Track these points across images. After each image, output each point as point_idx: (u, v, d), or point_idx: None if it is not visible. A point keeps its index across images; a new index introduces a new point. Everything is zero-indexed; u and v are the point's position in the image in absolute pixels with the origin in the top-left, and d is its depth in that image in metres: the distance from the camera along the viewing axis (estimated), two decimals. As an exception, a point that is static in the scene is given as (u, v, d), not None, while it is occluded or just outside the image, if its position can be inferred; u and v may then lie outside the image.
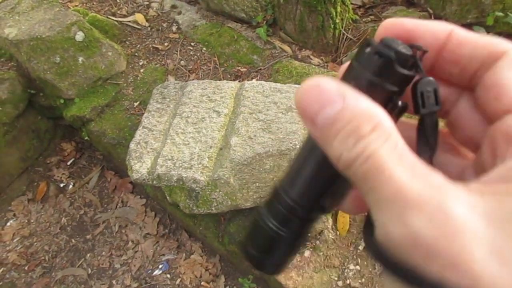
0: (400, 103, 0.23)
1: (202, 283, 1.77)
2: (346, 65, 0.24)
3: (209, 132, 1.50)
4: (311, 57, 1.94)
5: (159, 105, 1.68)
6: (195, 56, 2.07)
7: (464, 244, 0.17)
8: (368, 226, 0.21)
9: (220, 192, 1.41)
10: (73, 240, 1.98)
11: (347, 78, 0.23)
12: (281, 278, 1.48)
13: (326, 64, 1.92)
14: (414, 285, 0.18)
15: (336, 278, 1.52)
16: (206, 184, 1.40)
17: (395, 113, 0.22)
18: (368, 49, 0.22)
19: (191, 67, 2.03)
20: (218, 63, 2.00)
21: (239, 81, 1.68)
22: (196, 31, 2.15)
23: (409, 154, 0.20)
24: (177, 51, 2.10)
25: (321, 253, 1.54)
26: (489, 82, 0.23)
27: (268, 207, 0.27)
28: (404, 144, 0.20)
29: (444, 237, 0.17)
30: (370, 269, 1.52)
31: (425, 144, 0.23)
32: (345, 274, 1.53)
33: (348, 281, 1.51)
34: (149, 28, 2.26)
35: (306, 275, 1.49)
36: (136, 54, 2.15)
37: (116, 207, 2.03)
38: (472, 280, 0.17)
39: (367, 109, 0.20)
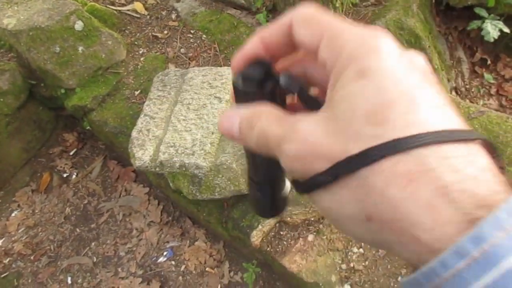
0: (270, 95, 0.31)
1: (207, 269, 1.78)
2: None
3: (210, 118, 1.50)
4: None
5: (160, 92, 1.68)
6: (195, 44, 2.06)
7: (313, 142, 0.24)
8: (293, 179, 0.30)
9: (223, 178, 1.41)
10: (77, 230, 1.99)
11: (237, 101, 0.31)
12: (285, 262, 1.49)
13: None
14: (308, 189, 0.26)
15: (340, 261, 1.53)
16: (209, 170, 1.41)
17: (277, 100, 0.31)
18: (233, 80, 0.31)
19: (191, 54, 2.02)
20: (218, 50, 1.99)
21: (240, 67, 1.68)
22: (195, 18, 2.14)
23: (283, 116, 0.28)
24: (176, 39, 2.09)
25: (325, 236, 1.55)
26: (296, 43, 0.29)
27: (247, 183, 0.40)
28: (280, 112, 0.28)
29: (302, 146, 0.25)
30: (374, 252, 1.53)
31: (313, 104, 0.29)
32: (349, 257, 1.53)
33: (351, 264, 1.52)
34: (148, 17, 2.25)
35: (310, 258, 1.50)
36: (136, 42, 2.14)
37: (120, 196, 2.04)
38: (327, 160, 0.24)
39: (252, 110, 0.29)
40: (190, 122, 1.51)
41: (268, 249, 1.52)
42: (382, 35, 0.26)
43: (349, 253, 1.54)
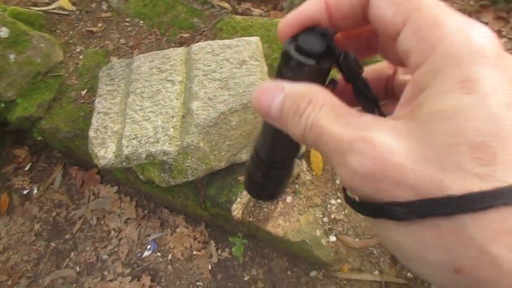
0: (329, 79, 0.28)
1: (194, 252, 1.78)
2: None
3: (167, 102, 1.47)
4: (252, 9, 1.92)
5: (109, 87, 1.62)
6: (134, 32, 1.99)
7: (395, 163, 0.20)
8: (343, 191, 0.26)
9: (193, 159, 1.40)
10: (52, 244, 1.92)
11: (281, 75, 0.27)
12: (270, 228, 1.52)
13: (267, 13, 1.90)
14: (377, 216, 0.22)
15: (321, 215, 1.58)
16: (177, 154, 1.39)
17: (331, 86, 0.27)
18: (284, 47, 0.26)
19: (132, 43, 1.95)
20: (159, 34, 1.93)
21: (185, 47, 1.64)
22: (128, 5, 2.06)
23: (343, 110, 0.23)
24: (113, 30, 2.01)
25: (302, 195, 1.59)
26: (372, 19, 0.25)
27: (251, 160, 0.35)
28: (340, 104, 0.24)
29: (378, 165, 0.20)
30: (350, 200, 1.59)
31: (366, 101, 0.26)
32: (328, 209, 1.59)
33: (332, 216, 1.58)
34: (77, 12, 2.13)
35: (293, 219, 1.54)
36: (70, 41, 2.03)
37: (89, 201, 1.98)
38: (412, 190, 0.20)
39: (302, 90, 0.24)
40: (147, 110, 1.48)
41: (251, 219, 1.54)
42: (487, 32, 0.21)
43: (328, 205, 1.59)
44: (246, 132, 1.41)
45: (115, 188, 1.97)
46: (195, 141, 1.38)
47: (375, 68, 0.31)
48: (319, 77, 0.26)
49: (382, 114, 0.25)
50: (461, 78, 0.20)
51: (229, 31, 1.81)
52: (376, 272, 1.54)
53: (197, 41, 1.85)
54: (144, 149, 1.39)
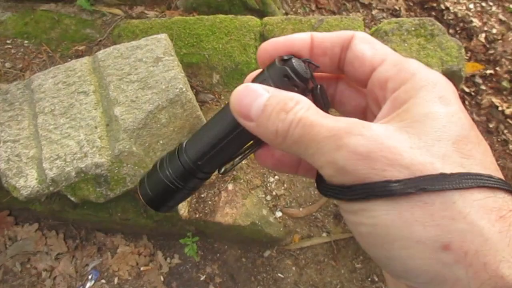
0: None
1: (142, 268, 1.70)
2: (255, 72, 0.32)
3: (85, 114, 1.38)
4: (146, 11, 1.88)
5: (10, 113, 1.46)
6: (20, 53, 1.81)
7: (392, 146, 0.23)
8: (319, 181, 0.28)
9: (129, 165, 1.34)
10: (-29, 307, 1.66)
11: (264, 81, 0.29)
12: (219, 218, 1.52)
13: (163, 13, 1.89)
14: (370, 196, 0.23)
15: (263, 195, 1.62)
16: (111, 164, 1.31)
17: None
18: (277, 64, 0.30)
19: (21, 65, 1.78)
20: (50, 51, 1.79)
21: (89, 56, 1.55)
22: (5, 27, 1.87)
23: (328, 114, 0.26)
24: (-6, 55, 1.81)
25: (241, 180, 1.61)
26: (351, 57, 0.30)
27: (169, 162, 0.33)
28: (320, 110, 0.27)
29: (377, 145, 0.23)
30: (287, 174, 1.66)
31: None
32: (269, 188, 1.64)
33: (274, 193, 1.63)
34: None
35: (238, 205, 1.56)
36: None
37: (6, 247, 1.75)
38: (407, 170, 0.22)
39: (289, 93, 0.27)
40: (65, 127, 1.37)
41: (197, 215, 1.52)
42: (438, 72, 0.28)
43: (268, 184, 1.64)
44: (177, 127, 1.39)
45: (35, 226, 1.77)
46: (127, 147, 1.31)
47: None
48: (299, 88, 0.30)
49: None
50: (439, 94, 0.25)
51: (129, 36, 1.76)
52: (324, 234, 1.63)
53: (97, 51, 1.76)
54: (72, 167, 1.29)
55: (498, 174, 0.24)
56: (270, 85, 0.28)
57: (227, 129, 0.30)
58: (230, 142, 0.31)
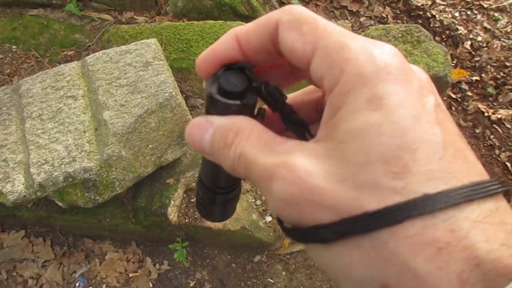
0: (256, 110, 0.29)
1: (130, 275, 1.68)
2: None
3: (74, 119, 1.37)
4: (135, 17, 1.89)
5: (-3, 117, 1.44)
6: (8, 58, 1.80)
7: (314, 187, 0.21)
8: (277, 220, 0.26)
9: (118, 169, 1.33)
10: (-45, 316, 1.63)
11: (209, 109, 0.27)
12: (208, 222, 1.51)
13: (153, 19, 1.89)
14: (306, 240, 0.22)
15: (253, 200, 1.62)
16: (99, 168, 1.30)
17: (259, 116, 0.28)
18: (206, 88, 0.27)
19: (8, 70, 1.76)
20: (39, 56, 1.78)
21: (78, 61, 1.54)
22: (-7, 31, 1.85)
23: (270, 138, 0.24)
24: (-19, 60, 1.79)
25: (231, 185, 1.61)
26: (283, 51, 0.25)
27: (197, 184, 0.36)
28: (267, 132, 0.24)
29: (299, 189, 0.21)
30: (276, 178, 1.66)
31: (295, 126, 0.28)
32: (258, 192, 1.64)
33: (263, 197, 1.63)
34: None
35: (228, 209, 1.55)
36: None
37: (-9, 255, 1.72)
38: (333, 212, 0.20)
39: (229, 123, 0.25)
40: (53, 132, 1.36)
41: (187, 220, 1.52)
42: (390, 49, 0.23)
43: (258, 189, 1.64)
44: (167, 131, 1.39)
45: (22, 233, 1.74)
46: (116, 151, 1.31)
47: (305, 92, 0.31)
48: (246, 111, 0.26)
49: (313, 137, 0.25)
50: (369, 96, 0.21)
51: (118, 41, 1.76)
52: (314, 239, 1.64)
53: (85, 57, 1.75)
54: (60, 172, 1.28)
55: (444, 181, 0.20)
56: (213, 111, 0.26)
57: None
58: (213, 170, 0.31)
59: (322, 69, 0.23)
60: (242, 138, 0.24)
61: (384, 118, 0.20)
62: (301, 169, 0.21)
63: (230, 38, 0.26)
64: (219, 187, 0.34)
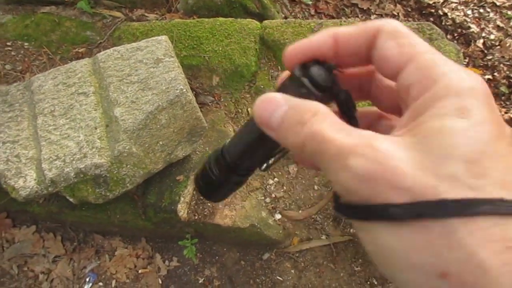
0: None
1: (140, 271, 1.69)
2: (286, 74, 0.32)
3: (85, 116, 1.38)
4: (146, 14, 1.89)
5: (9, 114, 1.45)
6: (20, 55, 1.82)
7: (395, 167, 0.22)
8: (335, 199, 0.27)
9: (128, 166, 1.34)
10: (-33, 310, 1.65)
11: (286, 91, 0.29)
12: (218, 220, 1.51)
13: (163, 16, 1.90)
14: (370, 217, 0.23)
15: (263, 197, 1.62)
16: (110, 164, 1.31)
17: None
18: (296, 74, 0.29)
19: (20, 67, 1.78)
20: (50, 53, 1.80)
21: (90, 58, 1.55)
22: (6, 29, 1.87)
23: (345, 125, 0.25)
24: (-6, 57, 1.81)
25: (241, 182, 1.61)
26: (376, 57, 0.28)
27: (214, 159, 0.36)
28: (342, 121, 0.26)
29: (379, 167, 0.22)
30: (286, 176, 1.66)
31: (350, 119, 0.30)
32: (268, 190, 1.64)
33: (273, 195, 1.63)
34: None
35: (238, 207, 1.55)
36: None
37: (3, 249, 1.74)
38: (408, 194, 0.21)
39: (307, 104, 0.27)
40: (64, 128, 1.37)
41: (196, 217, 1.52)
42: (477, 76, 0.25)
43: (267, 186, 1.64)
44: (177, 128, 1.39)
45: (33, 228, 1.76)
46: (126, 148, 1.31)
47: (363, 111, 0.34)
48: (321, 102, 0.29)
49: None
50: (459, 106, 0.23)
51: (129, 39, 1.77)
52: (324, 237, 1.63)
53: (97, 54, 1.76)
54: (71, 168, 1.29)
55: None
56: (290, 94, 0.28)
57: (259, 132, 0.30)
58: (262, 144, 0.32)
59: (413, 78, 0.25)
60: (318, 118, 0.25)
61: (470, 126, 0.22)
62: (384, 150, 0.23)
63: (328, 36, 0.29)
64: (242, 167, 0.34)
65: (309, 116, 0.25)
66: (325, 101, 0.28)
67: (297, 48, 0.29)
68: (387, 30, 0.27)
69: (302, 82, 0.28)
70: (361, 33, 0.28)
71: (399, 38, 0.27)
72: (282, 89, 0.29)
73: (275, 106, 0.27)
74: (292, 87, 0.28)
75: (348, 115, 0.30)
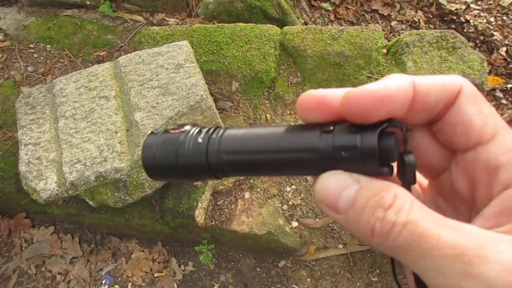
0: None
1: (156, 274, 1.69)
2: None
3: (106, 120, 1.39)
4: (166, 19, 1.90)
5: (32, 116, 1.47)
6: (42, 57, 1.84)
7: None
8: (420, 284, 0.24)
9: (148, 171, 1.34)
10: (-14, 308, 1.67)
11: (344, 164, 0.25)
12: (235, 227, 1.51)
13: (183, 21, 1.90)
14: None
15: (280, 204, 1.61)
16: (130, 169, 1.31)
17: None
18: (371, 143, 0.24)
19: (42, 69, 1.80)
20: (72, 56, 1.81)
21: (111, 62, 1.56)
22: (29, 31, 1.90)
23: (431, 212, 0.22)
24: (17, 59, 1.84)
25: (258, 189, 1.60)
26: (454, 119, 0.25)
27: (193, 142, 0.29)
28: (422, 204, 0.23)
29: None
30: (304, 183, 1.65)
31: (407, 184, 0.26)
32: (286, 197, 1.62)
33: (290, 202, 1.62)
34: (-33, 46, 1.91)
35: (255, 213, 1.55)
36: (-34, 78, 1.81)
37: (22, 249, 1.76)
38: None
39: (382, 184, 0.23)
40: (85, 131, 1.38)
41: (213, 223, 1.52)
42: None
43: (285, 194, 1.63)
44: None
45: (51, 229, 1.78)
46: (146, 152, 1.31)
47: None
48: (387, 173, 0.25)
49: None
50: None
51: (150, 43, 1.78)
52: (341, 246, 1.61)
53: (117, 57, 1.78)
54: (91, 171, 1.30)
55: None
56: (350, 168, 0.24)
57: (292, 145, 0.26)
58: (288, 160, 0.26)
59: (502, 160, 0.23)
60: (405, 204, 0.22)
61: None
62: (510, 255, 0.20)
63: (408, 84, 0.24)
64: (226, 167, 0.28)
65: (391, 199, 0.22)
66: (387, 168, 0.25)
67: (362, 96, 0.23)
68: (468, 92, 0.25)
69: (379, 151, 0.23)
70: (442, 88, 0.25)
71: (481, 104, 0.25)
72: (335, 161, 0.25)
73: (344, 186, 0.24)
74: (356, 161, 0.24)
75: (408, 182, 0.25)
